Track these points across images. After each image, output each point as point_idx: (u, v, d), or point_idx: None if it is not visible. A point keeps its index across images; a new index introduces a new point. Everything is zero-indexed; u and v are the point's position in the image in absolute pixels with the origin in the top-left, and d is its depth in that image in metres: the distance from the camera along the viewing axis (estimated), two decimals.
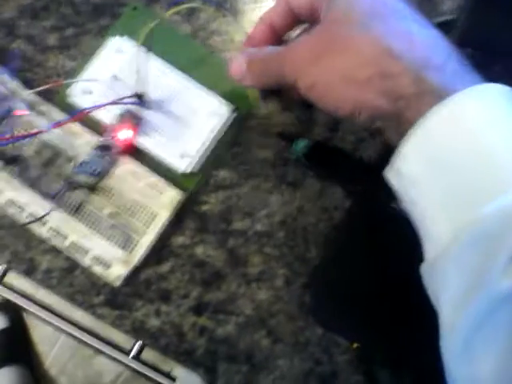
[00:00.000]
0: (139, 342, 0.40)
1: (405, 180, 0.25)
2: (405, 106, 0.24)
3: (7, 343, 0.97)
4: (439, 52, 0.25)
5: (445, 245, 0.22)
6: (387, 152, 0.35)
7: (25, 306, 0.47)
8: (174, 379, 0.44)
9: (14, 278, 0.40)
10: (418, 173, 0.24)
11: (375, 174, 0.34)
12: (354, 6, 0.26)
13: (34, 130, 0.30)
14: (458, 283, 0.22)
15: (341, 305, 0.33)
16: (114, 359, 0.44)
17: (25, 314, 1.00)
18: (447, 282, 0.23)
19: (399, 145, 0.24)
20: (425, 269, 0.25)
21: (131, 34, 0.35)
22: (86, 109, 0.30)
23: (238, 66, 0.30)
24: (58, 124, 0.29)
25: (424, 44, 0.25)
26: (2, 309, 0.99)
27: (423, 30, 0.25)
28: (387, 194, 0.33)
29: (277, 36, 0.31)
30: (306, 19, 0.30)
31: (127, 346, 0.43)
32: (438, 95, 0.23)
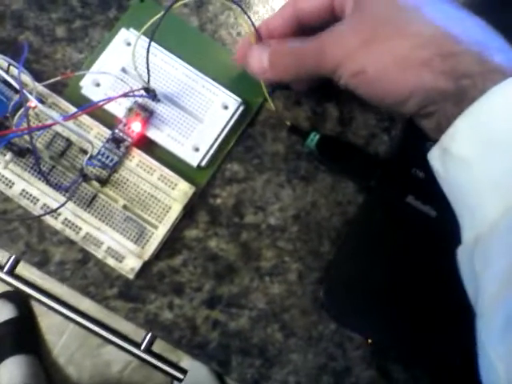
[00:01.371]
0: (150, 334, 0.40)
1: (453, 160, 0.24)
2: (469, 84, 0.23)
3: (16, 332, 0.98)
4: (493, 36, 0.25)
5: (492, 222, 0.22)
6: (399, 148, 0.35)
7: (33, 295, 0.47)
8: (184, 371, 0.44)
9: (23, 268, 0.40)
10: (471, 152, 0.23)
11: (388, 169, 0.34)
12: None
13: (48, 122, 0.29)
14: (506, 259, 0.22)
15: (355, 300, 0.32)
16: (124, 349, 0.43)
17: (33, 303, 1.01)
18: (493, 258, 0.22)
19: (451, 124, 0.24)
20: (463, 250, 0.24)
21: (139, 26, 0.35)
22: (99, 101, 0.30)
23: (257, 59, 0.30)
24: (73, 116, 0.29)
25: (478, 28, 0.25)
26: (10, 298, 1.00)
27: (471, 17, 0.25)
28: (401, 190, 0.33)
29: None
30: (312, 23, 0.30)
31: (136, 337, 0.43)
32: (504, 74, 0.23)
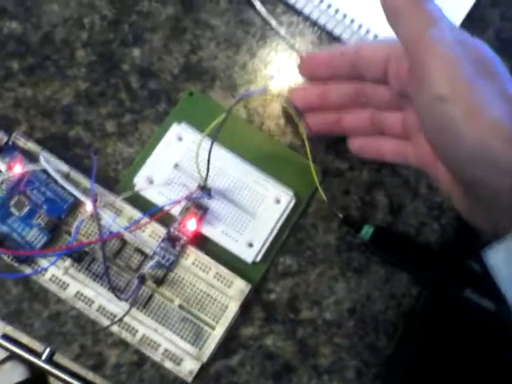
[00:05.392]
0: None
1: None
2: None
3: None
4: None
5: None
6: (454, 239, 0.35)
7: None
8: None
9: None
10: None
11: (443, 260, 0.34)
12: None
13: (115, 233, 0.29)
14: None
15: None
16: None
17: None
18: None
19: None
20: None
21: (189, 120, 0.36)
22: (163, 206, 0.30)
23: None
24: (136, 225, 0.29)
25: None
26: (21, 359, 0.97)
27: None
28: (458, 283, 0.33)
29: None
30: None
31: None
32: None
